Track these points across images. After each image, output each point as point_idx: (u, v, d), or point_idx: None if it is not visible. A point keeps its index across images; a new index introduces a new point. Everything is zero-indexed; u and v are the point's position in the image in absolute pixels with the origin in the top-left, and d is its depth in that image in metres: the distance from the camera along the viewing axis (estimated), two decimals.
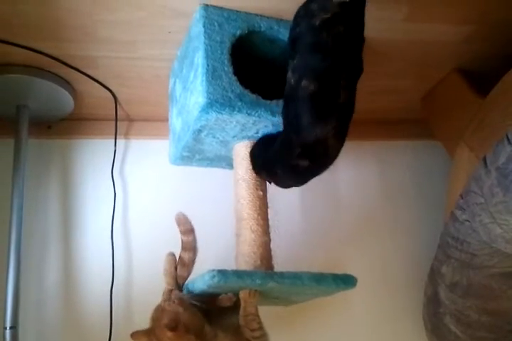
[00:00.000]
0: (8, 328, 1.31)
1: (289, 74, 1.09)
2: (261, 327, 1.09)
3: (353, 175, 1.79)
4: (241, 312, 1.08)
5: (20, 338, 1.33)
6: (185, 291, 1.17)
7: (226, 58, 1.15)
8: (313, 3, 1.07)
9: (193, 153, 1.36)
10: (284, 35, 1.25)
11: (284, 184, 1.25)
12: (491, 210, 1.17)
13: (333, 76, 1.05)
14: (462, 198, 1.30)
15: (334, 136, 1.07)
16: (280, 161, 1.16)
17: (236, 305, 1.11)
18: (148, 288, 1.23)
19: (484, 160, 1.19)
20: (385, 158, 1.84)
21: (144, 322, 1.41)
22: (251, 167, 1.26)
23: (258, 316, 1.09)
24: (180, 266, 1.19)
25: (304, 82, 1.04)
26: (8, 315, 1.32)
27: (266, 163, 1.23)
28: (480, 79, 1.52)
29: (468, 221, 1.29)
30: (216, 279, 1.01)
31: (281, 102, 1.17)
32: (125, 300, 1.49)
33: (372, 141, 1.84)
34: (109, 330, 1.44)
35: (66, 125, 1.65)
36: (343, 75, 1.06)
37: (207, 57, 1.13)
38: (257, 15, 1.24)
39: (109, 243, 1.53)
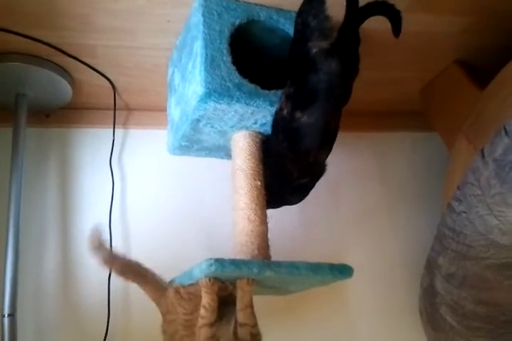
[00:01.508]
0: (6, 316, 1.31)
1: (283, 99, 1.13)
2: (257, 324, 1.09)
3: (352, 166, 1.80)
4: (238, 304, 1.07)
5: (19, 326, 1.33)
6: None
7: (225, 48, 1.15)
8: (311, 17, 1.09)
9: (192, 142, 1.36)
10: (283, 24, 1.25)
11: (295, 202, 1.38)
12: (487, 202, 1.18)
13: (326, 109, 1.09)
14: (459, 189, 1.30)
15: (325, 154, 1.18)
16: (283, 189, 1.27)
17: (232, 296, 1.11)
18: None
19: (482, 151, 1.19)
20: (384, 149, 1.85)
21: (141, 311, 1.43)
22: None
23: (254, 311, 1.09)
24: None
25: (297, 114, 1.09)
26: (7, 303, 1.32)
27: (273, 197, 1.27)
28: (479, 71, 1.52)
29: (464, 212, 1.30)
30: (213, 268, 1.01)
31: (279, 93, 1.17)
32: (123, 289, 1.49)
33: (370, 133, 1.84)
34: (106, 318, 1.45)
35: (64, 114, 1.65)
36: (336, 107, 1.11)
37: (206, 46, 1.13)
38: (256, 4, 1.24)
39: (107, 231, 1.53)
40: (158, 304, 1.21)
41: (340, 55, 1.06)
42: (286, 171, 1.20)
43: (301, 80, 1.09)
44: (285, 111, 1.11)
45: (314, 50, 1.07)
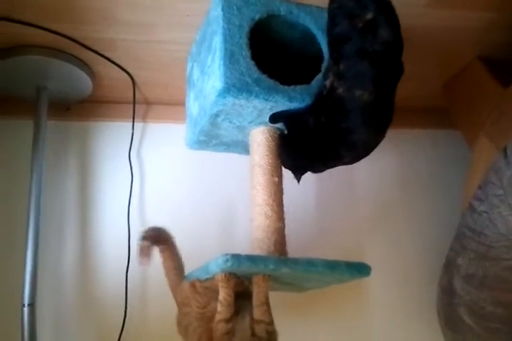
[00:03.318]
0: (26, 305, 1.33)
1: (332, 79, 1.09)
2: (273, 321, 1.08)
3: (371, 163, 1.75)
4: (254, 300, 1.07)
5: (38, 315, 1.35)
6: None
7: (244, 42, 1.14)
8: None
9: (210, 137, 1.36)
10: (303, 19, 1.23)
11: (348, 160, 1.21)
12: (510, 202, 1.16)
13: (385, 84, 1.07)
14: (480, 189, 1.29)
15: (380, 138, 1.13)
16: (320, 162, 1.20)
17: (248, 292, 1.11)
18: (162, 269, 1.24)
19: (504, 150, 1.17)
20: (404, 146, 1.82)
21: (157, 302, 1.44)
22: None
23: (270, 308, 1.09)
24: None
25: (357, 92, 1.05)
26: (27, 293, 1.34)
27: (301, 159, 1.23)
28: (502, 67, 1.49)
29: (486, 212, 1.28)
30: (230, 263, 1.01)
31: (299, 88, 1.16)
32: (140, 279, 1.50)
33: (390, 129, 1.81)
34: (124, 310, 1.47)
35: (85, 107, 1.66)
36: (393, 81, 1.08)
37: (225, 41, 1.12)
38: None
39: (126, 225, 1.55)
40: (174, 295, 1.22)
41: (387, 22, 1.04)
42: (332, 150, 1.15)
43: (350, 56, 1.06)
44: (341, 90, 1.07)
45: (360, 25, 1.05)
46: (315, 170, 1.26)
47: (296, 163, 1.23)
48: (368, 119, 1.08)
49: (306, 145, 1.17)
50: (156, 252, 1.24)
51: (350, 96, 1.06)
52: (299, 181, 1.25)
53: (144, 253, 1.20)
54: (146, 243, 1.21)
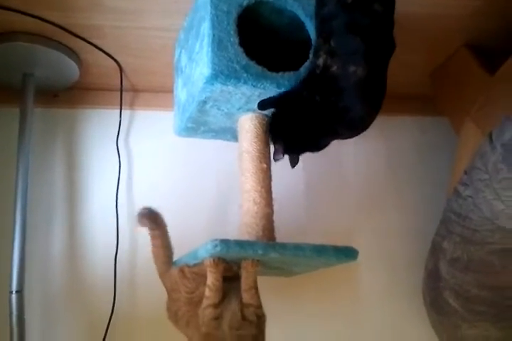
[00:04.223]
0: (14, 292, 1.34)
1: (325, 57, 1.08)
2: (261, 305, 1.09)
3: (359, 149, 1.79)
4: (243, 285, 1.08)
5: (26, 302, 1.35)
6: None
7: (232, 29, 1.13)
8: None
9: (198, 124, 1.36)
10: (291, 5, 1.23)
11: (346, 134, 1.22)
12: (494, 186, 1.17)
13: (377, 58, 1.06)
14: (466, 174, 1.30)
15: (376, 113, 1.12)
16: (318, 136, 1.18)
17: (236, 277, 1.12)
18: (151, 256, 1.25)
19: (490, 136, 1.19)
20: (392, 133, 1.84)
21: (146, 289, 1.45)
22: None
23: (258, 292, 1.09)
24: None
25: (351, 68, 1.04)
26: (14, 280, 1.35)
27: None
28: (489, 55, 1.50)
29: (471, 197, 1.29)
30: (218, 248, 1.02)
31: (287, 75, 1.16)
32: (129, 267, 1.51)
33: (378, 116, 1.82)
34: (113, 296, 1.47)
35: (72, 94, 1.65)
36: (385, 56, 1.08)
37: (213, 27, 1.12)
38: None
39: (114, 212, 1.55)
40: (163, 281, 1.23)
41: None
42: (326, 125, 1.14)
43: (340, 31, 1.06)
44: (335, 68, 1.06)
45: (349, 0, 1.05)
46: (311, 149, 1.25)
47: (290, 144, 1.23)
48: (362, 95, 1.08)
49: (301, 125, 1.16)
50: (146, 239, 1.24)
51: (345, 73, 1.05)
52: (293, 166, 1.23)
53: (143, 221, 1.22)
54: (146, 216, 1.23)
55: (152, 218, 1.24)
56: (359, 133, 1.17)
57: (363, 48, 1.04)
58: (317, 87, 1.11)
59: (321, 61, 1.09)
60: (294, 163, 1.23)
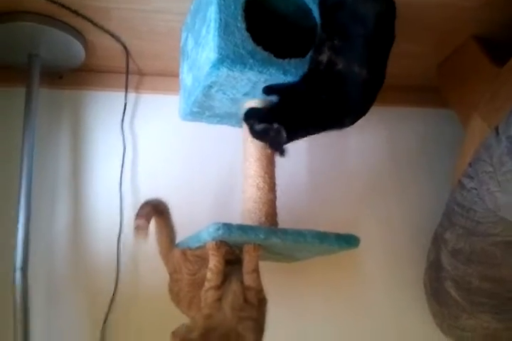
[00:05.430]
0: (18, 269, 1.34)
1: (329, 54, 1.10)
2: (263, 289, 1.10)
3: (362, 139, 1.79)
4: (244, 268, 1.09)
5: (30, 279, 1.36)
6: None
7: (239, 14, 1.13)
8: None
9: (203, 109, 1.36)
10: None
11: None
12: (499, 179, 1.17)
13: (379, 57, 1.11)
14: (471, 166, 1.30)
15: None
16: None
17: (238, 260, 1.13)
18: (153, 237, 1.26)
19: (496, 129, 1.18)
20: (395, 124, 1.83)
21: (149, 268, 1.46)
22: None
23: (259, 276, 1.10)
24: None
25: (356, 68, 1.07)
26: (18, 257, 1.35)
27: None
28: (497, 47, 1.49)
29: (475, 189, 1.29)
30: (221, 232, 1.02)
31: (293, 61, 1.16)
32: (132, 246, 1.52)
33: (383, 107, 1.81)
34: (116, 274, 1.49)
35: (77, 76, 1.64)
36: (386, 49, 1.12)
37: (220, 11, 1.11)
38: None
39: (118, 193, 1.56)
40: (165, 262, 1.24)
41: None
42: (328, 117, 1.18)
43: (344, 31, 1.08)
44: (340, 66, 1.08)
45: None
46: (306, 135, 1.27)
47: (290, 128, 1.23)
48: (367, 93, 1.12)
49: (304, 116, 1.17)
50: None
51: (351, 73, 1.08)
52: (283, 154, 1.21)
53: (140, 230, 1.21)
54: (142, 221, 1.22)
55: (149, 213, 1.24)
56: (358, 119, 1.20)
57: (366, 51, 1.07)
58: (322, 86, 1.13)
59: (324, 57, 1.10)
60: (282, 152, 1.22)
